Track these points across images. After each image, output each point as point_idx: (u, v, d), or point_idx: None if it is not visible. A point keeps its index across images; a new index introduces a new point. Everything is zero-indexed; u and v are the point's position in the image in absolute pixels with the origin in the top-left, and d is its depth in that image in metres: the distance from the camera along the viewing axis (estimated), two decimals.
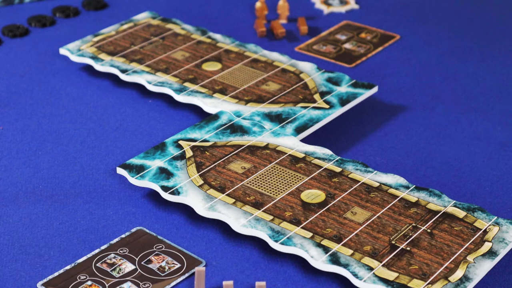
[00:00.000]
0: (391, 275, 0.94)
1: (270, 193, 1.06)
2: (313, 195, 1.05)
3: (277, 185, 1.07)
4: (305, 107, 1.21)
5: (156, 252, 1.01)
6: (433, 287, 0.92)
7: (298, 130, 1.17)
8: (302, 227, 1.00)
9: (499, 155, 1.19)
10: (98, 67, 1.33)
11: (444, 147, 1.21)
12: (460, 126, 1.25)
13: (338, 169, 1.10)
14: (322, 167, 1.10)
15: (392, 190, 1.06)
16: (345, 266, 0.95)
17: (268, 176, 1.09)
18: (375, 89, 1.27)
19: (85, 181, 1.13)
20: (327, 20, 1.54)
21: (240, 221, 1.01)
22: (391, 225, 1.01)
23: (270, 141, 1.15)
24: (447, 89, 1.34)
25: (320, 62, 1.40)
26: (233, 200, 1.04)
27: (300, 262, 1.00)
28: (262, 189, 1.06)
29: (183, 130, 1.17)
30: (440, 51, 1.45)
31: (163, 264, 0.99)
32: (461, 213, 1.03)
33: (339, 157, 1.12)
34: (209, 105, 1.22)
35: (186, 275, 0.98)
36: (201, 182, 1.07)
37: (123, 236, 1.03)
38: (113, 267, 0.98)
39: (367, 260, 0.96)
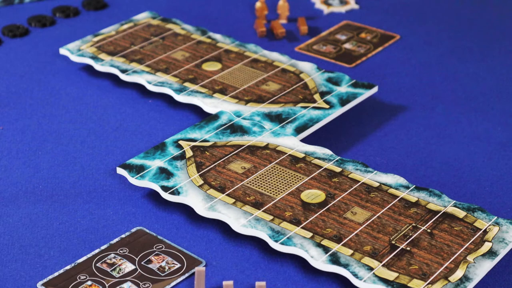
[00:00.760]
0: (391, 275, 0.94)
1: (270, 193, 1.06)
2: (313, 195, 1.05)
3: (277, 185, 1.07)
4: (305, 107, 1.21)
5: (156, 252, 1.01)
6: (433, 287, 0.92)
7: (298, 130, 1.17)
8: (302, 227, 1.00)
9: (499, 155, 1.19)
10: (98, 67, 1.33)
11: (444, 147, 1.21)
12: (460, 126, 1.25)
13: (338, 169, 1.10)
14: (322, 167, 1.10)
15: (392, 190, 1.06)
16: (345, 266, 0.95)
17: (268, 176, 1.09)
18: (375, 89, 1.27)
19: (85, 181, 1.13)
20: (327, 20, 1.54)
21: (240, 221, 1.01)
22: (391, 225, 1.01)
23: (270, 141, 1.15)
24: (447, 89, 1.34)
25: (320, 62, 1.40)
26: (233, 200, 1.04)
27: (300, 262, 1.00)
28: (262, 189, 1.06)
29: (183, 130, 1.17)
30: (440, 51, 1.45)
31: (163, 264, 0.99)
32: (461, 213, 1.03)
33: (339, 157, 1.12)
34: (209, 105, 1.22)
35: (186, 275, 0.98)
36: (201, 182, 1.07)
37: (123, 236, 1.03)
38: (113, 267, 0.99)
39: (367, 260, 0.96)
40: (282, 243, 0.98)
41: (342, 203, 1.04)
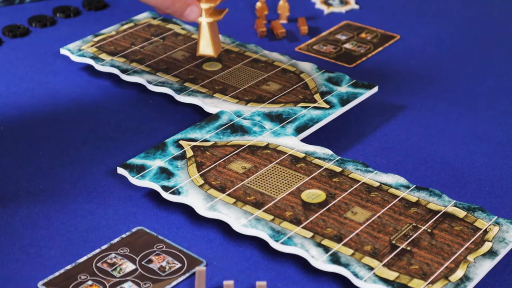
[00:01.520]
0: (391, 275, 0.94)
1: (271, 193, 1.06)
2: (314, 195, 1.05)
3: (278, 185, 1.07)
4: (305, 107, 1.22)
5: (157, 252, 1.01)
6: (434, 287, 0.92)
7: (299, 130, 1.17)
8: (302, 227, 1.00)
9: (499, 155, 1.19)
10: (98, 67, 1.33)
11: (444, 147, 1.21)
12: (460, 126, 1.25)
13: (338, 169, 1.10)
14: (322, 167, 1.10)
15: (392, 190, 1.06)
16: (346, 266, 0.95)
17: (268, 176, 1.09)
18: (375, 89, 1.27)
19: (85, 181, 1.13)
20: (327, 20, 1.54)
21: (240, 221, 1.01)
22: (391, 225, 1.01)
23: (270, 141, 1.15)
24: (447, 89, 1.34)
25: (320, 62, 1.40)
26: (234, 200, 1.04)
27: (300, 262, 1.00)
28: (262, 189, 1.06)
29: (184, 130, 1.17)
30: (440, 51, 1.45)
31: (164, 264, 0.99)
32: (461, 213, 1.03)
33: (339, 157, 1.12)
34: (210, 105, 1.22)
35: (187, 275, 0.98)
36: (202, 182, 1.07)
37: (123, 236, 1.03)
38: (114, 267, 0.99)
39: (367, 260, 0.96)
40: (282, 243, 0.98)
41: (342, 203, 1.04)
